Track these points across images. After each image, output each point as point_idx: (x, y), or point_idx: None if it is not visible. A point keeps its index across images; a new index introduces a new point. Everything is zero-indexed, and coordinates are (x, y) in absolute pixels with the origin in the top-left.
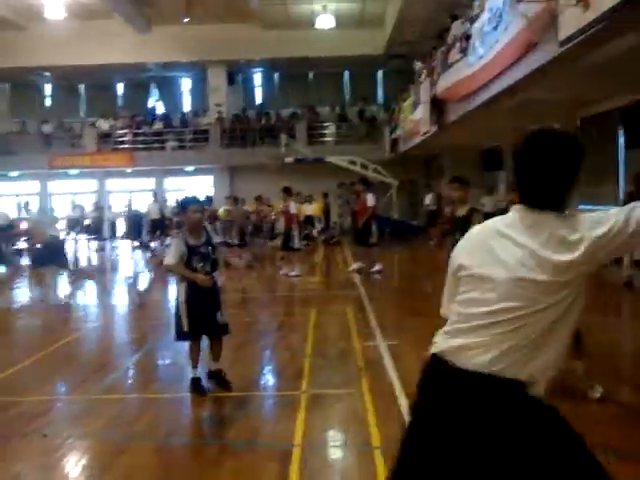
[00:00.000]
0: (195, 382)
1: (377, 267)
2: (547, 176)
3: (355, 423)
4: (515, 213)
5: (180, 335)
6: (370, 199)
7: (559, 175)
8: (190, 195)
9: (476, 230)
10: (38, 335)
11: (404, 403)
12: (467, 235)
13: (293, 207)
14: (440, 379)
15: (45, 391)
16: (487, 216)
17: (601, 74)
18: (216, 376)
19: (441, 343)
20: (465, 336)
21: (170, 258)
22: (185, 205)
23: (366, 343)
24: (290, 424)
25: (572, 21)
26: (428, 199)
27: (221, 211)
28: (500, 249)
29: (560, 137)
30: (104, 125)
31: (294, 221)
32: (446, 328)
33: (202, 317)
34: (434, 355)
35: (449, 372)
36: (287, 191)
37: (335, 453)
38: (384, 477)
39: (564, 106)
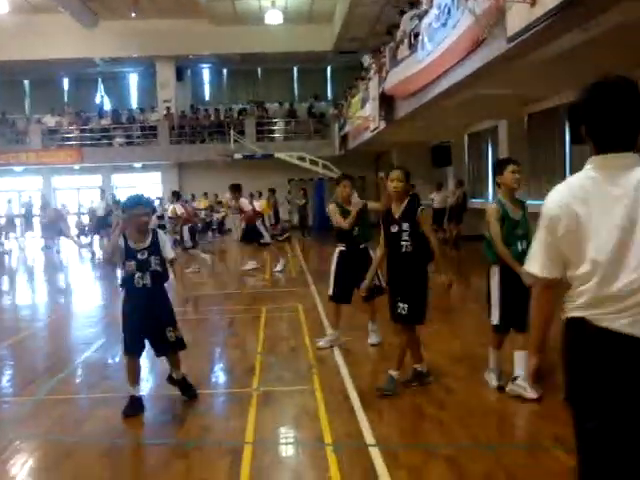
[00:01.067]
0: (132, 402)
1: (279, 267)
2: (629, 118)
3: (307, 420)
4: (594, 168)
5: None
6: (251, 205)
7: (636, 117)
8: (134, 195)
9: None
10: None
11: (355, 399)
12: (562, 196)
13: (257, 205)
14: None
15: None
16: (436, 212)
17: (549, 70)
18: (179, 383)
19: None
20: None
21: (103, 253)
22: (129, 206)
23: (316, 339)
24: (241, 422)
25: (520, 17)
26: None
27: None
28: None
29: (630, 82)
30: (50, 121)
31: (258, 217)
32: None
33: (141, 333)
34: (582, 322)
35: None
36: (237, 189)
37: (287, 450)
38: (335, 473)
39: (512, 102)
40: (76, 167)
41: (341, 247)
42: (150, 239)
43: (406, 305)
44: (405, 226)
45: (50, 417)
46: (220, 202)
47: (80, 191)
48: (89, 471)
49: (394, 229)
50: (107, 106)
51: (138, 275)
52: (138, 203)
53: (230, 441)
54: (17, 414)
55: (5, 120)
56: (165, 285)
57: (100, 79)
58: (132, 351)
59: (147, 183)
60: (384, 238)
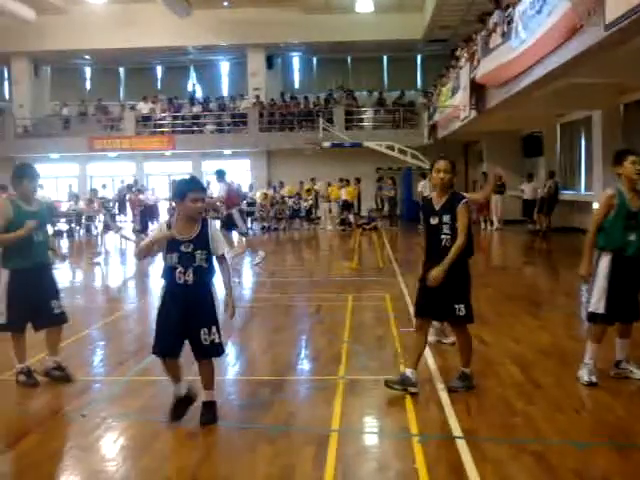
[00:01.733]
0: (176, 404)
1: (259, 258)
2: None
3: (393, 410)
4: None
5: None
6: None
7: None
8: (189, 177)
9: None
10: (79, 315)
11: (442, 391)
12: None
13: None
14: None
15: (84, 371)
16: (527, 203)
17: None
18: (203, 405)
19: None
20: None
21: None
22: (184, 190)
23: (403, 329)
24: (327, 409)
25: (619, 3)
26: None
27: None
28: None
29: None
30: (144, 108)
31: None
32: None
33: (178, 335)
34: None
35: None
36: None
37: (372, 439)
38: (421, 464)
39: (607, 91)
40: (167, 153)
41: None
42: (198, 230)
43: (462, 305)
44: (446, 218)
45: (140, 397)
46: (309, 190)
47: (171, 177)
48: (178, 452)
49: (434, 221)
50: (198, 94)
51: (180, 270)
52: (194, 187)
53: (316, 428)
54: (109, 394)
55: (101, 107)
56: (213, 281)
57: (192, 67)
58: (162, 353)
59: (237, 170)
60: (424, 230)
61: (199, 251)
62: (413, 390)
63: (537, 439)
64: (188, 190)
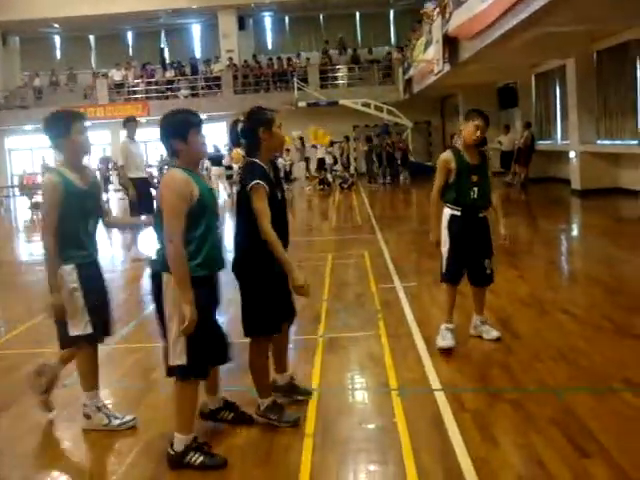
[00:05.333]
0: None
1: None
2: None
3: (372, 365)
4: None
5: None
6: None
7: None
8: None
9: None
10: None
11: (421, 344)
12: None
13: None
14: None
15: None
16: (504, 155)
17: (617, 3)
18: None
19: None
20: None
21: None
22: (187, 125)
23: (383, 285)
24: (307, 368)
25: None
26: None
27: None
28: None
29: None
30: (116, 75)
31: None
32: None
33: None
34: None
35: None
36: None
37: (353, 396)
38: (401, 418)
39: (579, 39)
40: (143, 120)
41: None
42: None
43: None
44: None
45: (122, 365)
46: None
47: (148, 144)
48: (159, 419)
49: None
50: (171, 59)
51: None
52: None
53: (306, 387)
54: None
55: (72, 76)
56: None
57: (163, 32)
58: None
59: (214, 133)
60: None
61: None
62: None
63: (515, 388)
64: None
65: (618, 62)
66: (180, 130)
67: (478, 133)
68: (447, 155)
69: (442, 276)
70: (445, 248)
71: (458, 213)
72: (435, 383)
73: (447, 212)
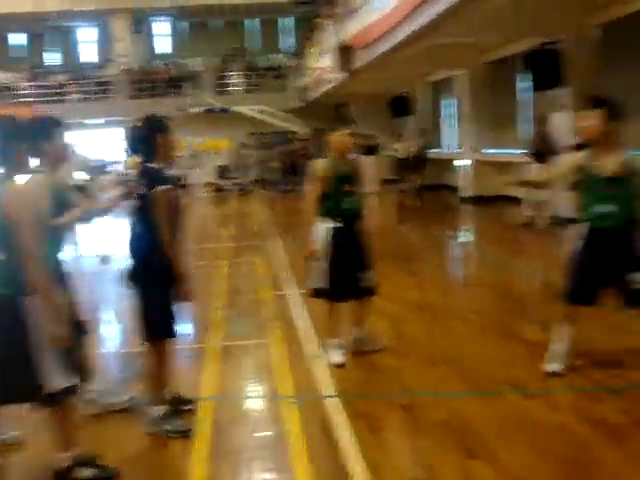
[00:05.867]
0: None
1: None
2: None
3: (266, 373)
4: None
5: None
6: None
7: None
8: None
9: None
10: None
11: (314, 351)
12: None
13: None
14: None
15: None
16: (400, 162)
17: (501, 18)
18: None
19: None
20: None
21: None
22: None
23: (277, 293)
24: (200, 376)
25: None
26: None
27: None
28: None
29: None
30: (2, 78)
31: None
32: None
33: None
34: None
35: None
36: None
37: (247, 404)
38: (294, 426)
39: (469, 51)
40: None
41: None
42: None
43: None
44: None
45: None
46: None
47: None
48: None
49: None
50: (62, 62)
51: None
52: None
53: (189, 396)
54: None
55: None
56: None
57: (53, 34)
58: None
59: (112, 139)
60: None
61: None
62: None
63: (407, 393)
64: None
65: (503, 75)
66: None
67: (349, 143)
68: (322, 163)
69: (317, 291)
70: (321, 261)
71: (336, 224)
72: (328, 390)
73: (324, 224)
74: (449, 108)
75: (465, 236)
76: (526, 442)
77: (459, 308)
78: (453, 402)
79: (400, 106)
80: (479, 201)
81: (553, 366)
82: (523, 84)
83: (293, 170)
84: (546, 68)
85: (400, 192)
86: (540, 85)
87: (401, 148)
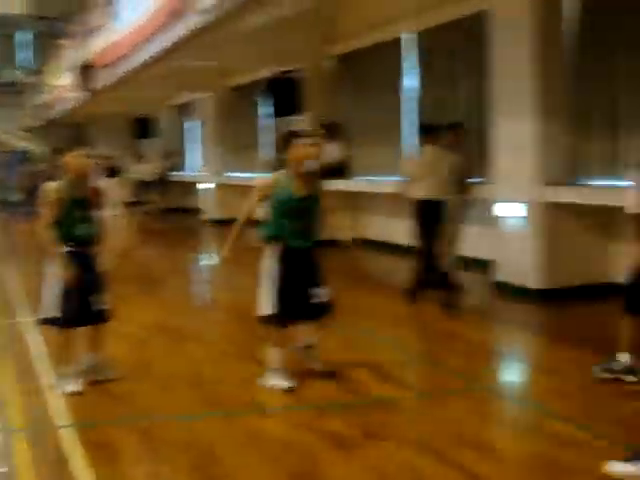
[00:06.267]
0: None
1: None
2: None
3: None
4: None
5: None
6: None
7: None
8: None
9: None
10: None
11: (48, 380)
12: None
13: None
14: None
15: None
16: (143, 184)
17: (247, 45)
18: None
19: None
20: None
21: None
22: None
23: (9, 321)
24: None
25: None
26: None
27: None
28: None
29: None
30: None
31: None
32: None
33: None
34: None
35: None
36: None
37: None
38: (24, 459)
39: (213, 75)
40: None
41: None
42: None
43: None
44: None
45: None
46: None
47: None
48: None
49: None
50: None
51: None
52: None
53: None
54: None
55: None
56: None
57: None
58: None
59: None
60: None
61: None
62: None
63: (146, 417)
64: None
65: (246, 100)
66: None
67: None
68: (55, 186)
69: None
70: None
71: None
72: (63, 420)
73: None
74: (194, 131)
75: (207, 258)
76: (264, 459)
77: (199, 330)
78: (194, 424)
79: (143, 127)
80: (222, 223)
81: (284, 384)
82: (265, 109)
83: (34, 192)
84: (285, 95)
85: (143, 214)
86: (280, 111)
87: (145, 170)
